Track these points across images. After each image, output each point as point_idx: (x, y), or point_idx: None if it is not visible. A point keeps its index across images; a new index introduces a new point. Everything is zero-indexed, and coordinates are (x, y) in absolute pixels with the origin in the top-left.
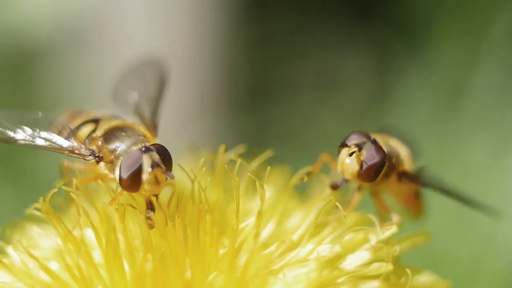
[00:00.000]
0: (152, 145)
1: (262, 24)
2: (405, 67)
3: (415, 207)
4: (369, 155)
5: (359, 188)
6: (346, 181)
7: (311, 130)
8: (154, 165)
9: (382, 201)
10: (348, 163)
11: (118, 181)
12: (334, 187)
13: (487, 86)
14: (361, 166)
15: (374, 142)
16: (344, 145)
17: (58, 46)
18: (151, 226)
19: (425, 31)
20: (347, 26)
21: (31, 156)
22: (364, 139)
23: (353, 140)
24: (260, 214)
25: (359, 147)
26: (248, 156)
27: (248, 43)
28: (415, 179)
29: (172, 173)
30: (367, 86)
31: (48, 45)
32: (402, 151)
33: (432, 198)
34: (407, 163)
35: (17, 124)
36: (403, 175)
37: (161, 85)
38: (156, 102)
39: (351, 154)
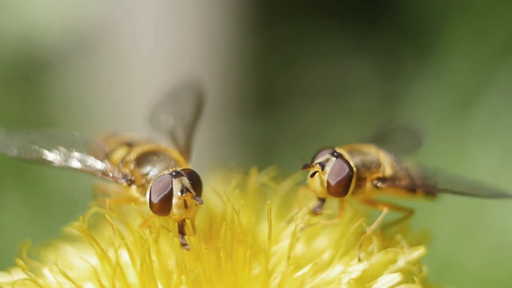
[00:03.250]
0: (182, 170)
1: (271, 30)
2: (415, 74)
3: (420, 198)
4: (333, 172)
5: (341, 200)
6: (323, 200)
7: (320, 136)
8: (183, 190)
9: (375, 203)
10: (314, 183)
11: (148, 205)
12: (315, 211)
13: (497, 94)
14: (328, 184)
15: (338, 157)
16: (306, 166)
17: (68, 54)
18: (186, 249)
19: (434, 38)
20: (357, 33)
21: (42, 168)
22: (327, 156)
23: (318, 158)
24: (293, 237)
25: (322, 165)
26: (277, 177)
27: (257, 49)
28: (395, 183)
29: (202, 198)
30: (376, 93)
31: (57, 53)
32: (380, 157)
33: (439, 208)
34: (387, 168)
35: (53, 144)
36: (381, 181)
37: (198, 109)
38: (192, 126)
39: (313, 174)
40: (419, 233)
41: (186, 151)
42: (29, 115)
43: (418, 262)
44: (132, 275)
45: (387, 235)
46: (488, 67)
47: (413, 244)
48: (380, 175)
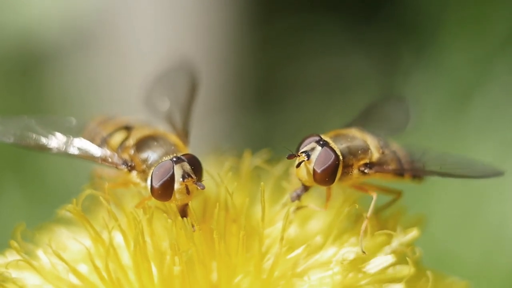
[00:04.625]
0: (183, 155)
1: (270, 25)
2: (413, 68)
3: (408, 181)
4: (319, 161)
5: (328, 188)
6: (307, 188)
7: (317, 130)
8: (185, 176)
9: (363, 188)
10: (300, 172)
11: (149, 191)
12: (296, 197)
13: (495, 88)
14: (314, 173)
15: (324, 145)
16: (291, 155)
17: (66, 48)
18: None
19: (432, 32)
20: (355, 27)
21: (41, 161)
22: (313, 144)
23: (303, 147)
24: (286, 219)
25: (307, 154)
26: (271, 159)
27: (255, 44)
28: (383, 168)
29: (203, 183)
30: (374, 87)
31: (56, 47)
32: (367, 141)
33: (438, 200)
34: (374, 153)
35: (50, 131)
36: (368, 167)
37: (192, 91)
38: (187, 109)
39: (299, 164)
40: (413, 217)
41: (184, 135)
42: (28, 109)
43: (411, 244)
44: (125, 257)
45: (381, 218)
46: (486, 61)
47: (407, 227)
48: (367, 160)
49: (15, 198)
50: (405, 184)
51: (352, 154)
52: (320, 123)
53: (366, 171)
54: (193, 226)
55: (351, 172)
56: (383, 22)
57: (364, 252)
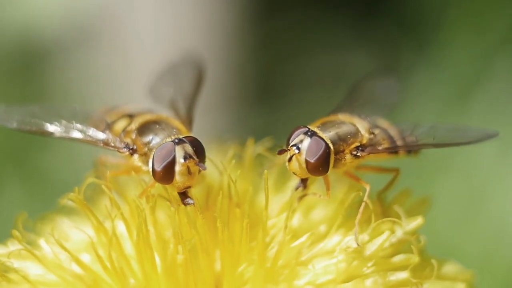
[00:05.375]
0: (185, 137)
1: (271, 22)
2: (414, 65)
3: (403, 157)
4: (310, 152)
5: (325, 177)
6: (304, 180)
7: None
8: (186, 157)
9: (354, 176)
10: (293, 166)
11: (151, 173)
12: (299, 188)
13: (496, 84)
14: (307, 164)
15: (312, 136)
16: (282, 151)
17: (68, 44)
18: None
19: (433, 29)
20: (355, 24)
21: (43, 156)
22: (301, 137)
23: (292, 140)
24: (290, 207)
25: (298, 147)
26: (274, 148)
27: (256, 40)
28: (375, 148)
29: (205, 164)
30: None
31: (58, 42)
32: (355, 124)
33: (439, 195)
34: (365, 135)
35: (54, 117)
36: (360, 149)
37: (198, 81)
38: (192, 98)
39: (290, 158)
40: (417, 202)
41: (187, 122)
42: (29, 103)
43: (416, 233)
44: (128, 246)
45: (385, 203)
46: (487, 58)
47: (411, 214)
48: (358, 143)
49: (16, 192)
50: (405, 181)
51: (342, 139)
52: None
53: (358, 154)
54: (197, 211)
55: (344, 158)
56: (384, 19)
57: (358, 245)
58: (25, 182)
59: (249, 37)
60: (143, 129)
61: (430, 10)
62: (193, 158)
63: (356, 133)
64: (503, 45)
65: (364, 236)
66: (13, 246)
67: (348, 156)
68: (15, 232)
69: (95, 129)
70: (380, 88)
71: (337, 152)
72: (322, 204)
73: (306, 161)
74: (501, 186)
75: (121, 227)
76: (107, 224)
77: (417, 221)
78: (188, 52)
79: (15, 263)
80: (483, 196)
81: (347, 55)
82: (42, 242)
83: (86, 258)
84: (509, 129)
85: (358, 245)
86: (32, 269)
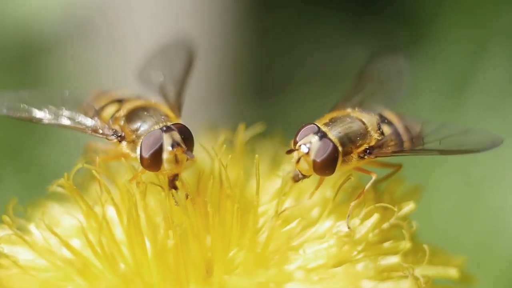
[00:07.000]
0: (173, 124)
1: (269, 15)
2: (410, 58)
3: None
4: (318, 153)
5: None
6: (306, 176)
7: (316, 120)
8: (174, 145)
9: (363, 169)
10: (300, 165)
11: (139, 160)
12: (296, 179)
13: (492, 78)
14: (314, 165)
15: (322, 137)
16: (290, 151)
17: (65, 38)
18: (175, 203)
19: (429, 23)
20: (353, 18)
21: (39, 149)
22: (310, 137)
23: (301, 139)
24: (280, 192)
25: (306, 147)
26: (265, 135)
27: (254, 34)
28: (382, 151)
29: (193, 152)
30: None
31: (55, 37)
32: (364, 122)
33: (437, 189)
34: (374, 135)
35: (43, 103)
36: (368, 152)
37: (188, 65)
38: (182, 82)
39: (299, 159)
40: (410, 189)
41: (176, 107)
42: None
43: (407, 218)
44: (119, 231)
45: (378, 190)
46: (484, 51)
47: (404, 200)
48: (367, 145)
49: (12, 184)
50: (402, 173)
51: (351, 141)
52: (319, 114)
53: (365, 157)
54: (187, 196)
55: (351, 160)
56: (381, 13)
57: (349, 228)
58: (21, 174)
59: (247, 31)
60: (132, 115)
61: (427, 4)
62: (181, 146)
63: (365, 134)
64: (499, 38)
65: (356, 221)
66: (3, 231)
67: (355, 157)
68: (5, 218)
69: (83, 116)
70: (388, 71)
71: (345, 154)
72: (313, 189)
73: (314, 162)
74: (498, 180)
75: (111, 212)
76: (97, 209)
77: (409, 206)
78: (178, 35)
79: (5, 248)
80: (480, 189)
81: (344, 49)
82: (32, 227)
83: (76, 243)
84: (505, 122)
85: (349, 227)
86: (22, 254)
